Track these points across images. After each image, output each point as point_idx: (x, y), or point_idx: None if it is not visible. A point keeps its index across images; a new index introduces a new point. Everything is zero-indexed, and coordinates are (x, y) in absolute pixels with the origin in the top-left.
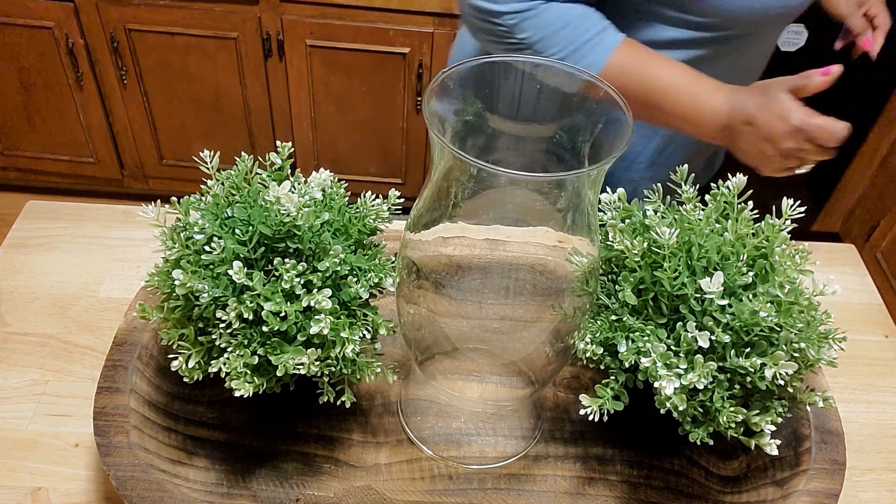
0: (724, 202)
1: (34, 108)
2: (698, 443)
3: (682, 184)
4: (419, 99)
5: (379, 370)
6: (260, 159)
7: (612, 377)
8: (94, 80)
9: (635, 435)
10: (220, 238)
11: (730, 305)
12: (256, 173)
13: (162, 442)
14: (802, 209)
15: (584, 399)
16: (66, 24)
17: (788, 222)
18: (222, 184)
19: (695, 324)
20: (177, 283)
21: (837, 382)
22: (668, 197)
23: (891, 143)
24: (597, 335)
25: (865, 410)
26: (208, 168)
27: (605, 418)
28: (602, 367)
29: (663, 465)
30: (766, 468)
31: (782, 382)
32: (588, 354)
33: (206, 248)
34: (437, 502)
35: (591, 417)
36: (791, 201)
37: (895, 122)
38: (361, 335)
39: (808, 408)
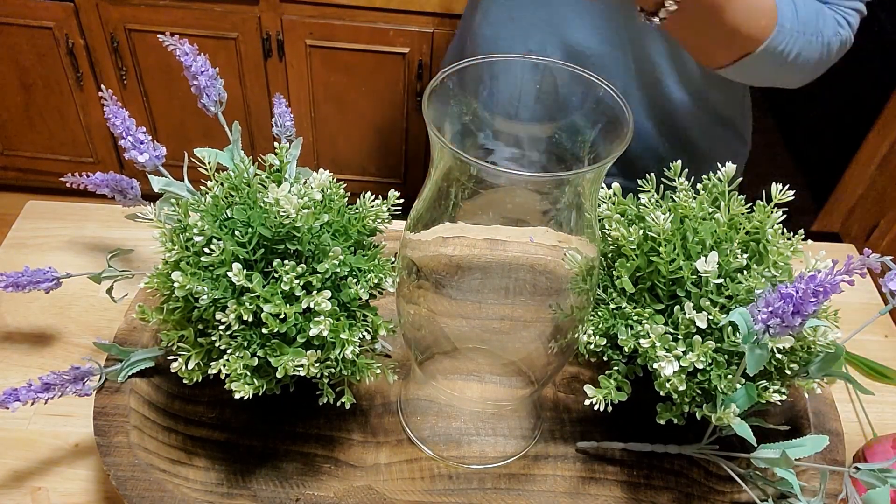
0: (717, 193)
1: (34, 108)
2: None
3: (676, 178)
4: (419, 99)
5: (379, 371)
6: (260, 159)
7: (615, 367)
8: (94, 80)
9: (636, 435)
10: (219, 240)
11: (726, 287)
12: (256, 174)
13: (162, 442)
14: (791, 193)
15: (589, 389)
16: (66, 24)
17: (780, 209)
18: (221, 184)
19: (692, 304)
20: (176, 284)
21: (837, 382)
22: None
23: (890, 144)
24: (599, 326)
25: (865, 410)
26: (206, 168)
27: (609, 409)
28: (605, 359)
29: (663, 465)
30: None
31: (781, 357)
32: (591, 346)
33: (206, 249)
34: (437, 502)
35: (596, 408)
36: (780, 186)
37: (895, 122)
38: (361, 336)
39: (808, 407)
